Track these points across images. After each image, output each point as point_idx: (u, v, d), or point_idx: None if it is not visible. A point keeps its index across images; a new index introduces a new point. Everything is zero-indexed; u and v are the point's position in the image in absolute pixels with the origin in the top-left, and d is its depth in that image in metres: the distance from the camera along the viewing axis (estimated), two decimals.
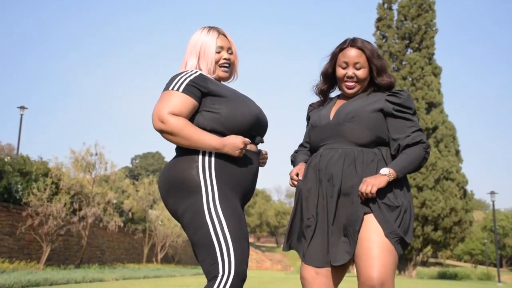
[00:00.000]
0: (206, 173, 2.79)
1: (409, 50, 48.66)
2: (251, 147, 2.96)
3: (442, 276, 43.47)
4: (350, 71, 3.11)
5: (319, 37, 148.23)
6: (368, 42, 3.17)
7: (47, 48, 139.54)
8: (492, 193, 40.14)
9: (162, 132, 2.78)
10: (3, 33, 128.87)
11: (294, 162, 3.44)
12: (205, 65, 3.02)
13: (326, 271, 3.03)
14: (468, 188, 46.38)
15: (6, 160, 19.62)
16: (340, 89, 3.26)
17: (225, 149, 2.75)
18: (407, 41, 48.55)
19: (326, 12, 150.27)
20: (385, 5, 49.33)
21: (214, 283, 2.62)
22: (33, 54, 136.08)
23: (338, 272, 3.08)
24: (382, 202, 2.91)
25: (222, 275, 2.63)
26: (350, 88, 3.15)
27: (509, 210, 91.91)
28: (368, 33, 49.44)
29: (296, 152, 3.51)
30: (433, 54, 47.75)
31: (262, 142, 3.07)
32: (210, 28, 3.09)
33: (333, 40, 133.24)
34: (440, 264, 66.80)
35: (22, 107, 30.41)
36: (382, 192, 2.90)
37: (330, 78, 3.29)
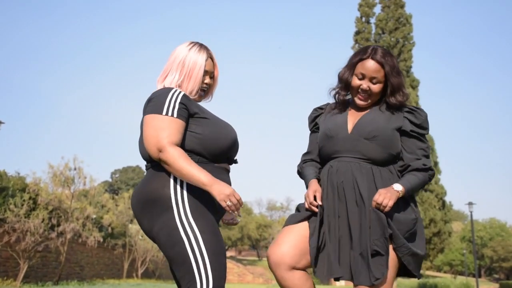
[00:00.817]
0: (177, 189, 2.76)
1: None
2: (225, 166, 2.98)
3: (422, 287, 43.74)
4: (365, 85, 3.06)
5: (297, 49, 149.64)
6: (391, 56, 3.12)
7: (23, 63, 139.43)
8: (470, 204, 40.58)
9: (160, 160, 2.72)
10: None
11: (303, 176, 3.34)
12: (190, 85, 2.98)
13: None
14: (447, 199, 46.90)
15: None
16: (352, 98, 3.22)
17: (213, 189, 2.66)
18: None
19: (304, 26, 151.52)
20: (363, 19, 49.88)
21: None
22: (9, 69, 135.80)
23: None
24: (394, 218, 2.91)
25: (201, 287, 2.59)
26: (362, 100, 3.12)
27: (487, 220, 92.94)
28: (347, 46, 49.99)
29: (304, 162, 3.40)
30: (410, 67, 48.28)
31: (236, 162, 3.08)
32: (201, 47, 3.05)
33: (312, 52, 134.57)
34: (421, 275, 67.21)
35: None
36: (394, 207, 2.91)
37: (346, 84, 3.21)
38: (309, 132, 3.43)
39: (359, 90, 3.09)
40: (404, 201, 3.00)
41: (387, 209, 2.82)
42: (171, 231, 2.70)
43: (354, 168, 2.99)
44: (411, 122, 3.07)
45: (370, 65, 3.02)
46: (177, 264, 2.70)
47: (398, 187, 2.91)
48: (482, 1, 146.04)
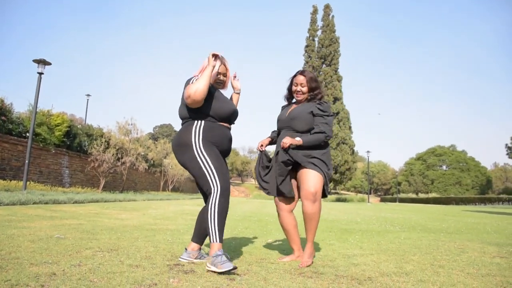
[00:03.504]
0: (196, 134, 2.77)
1: (324, 65, 49.51)
2: (227, 125, 2.92)
3: (338, 199, 44.97)
4: (298, 88, 3.25)
5: (266, 54, 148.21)
6: (310, 72, 3.30)
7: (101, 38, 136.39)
8: (368, 151, 41.51)
9: (193, 99, 2.71)
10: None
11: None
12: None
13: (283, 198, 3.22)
14: (355, 148, 47.85)
15: (78, 127, 19.66)
16: (294, 97, 3.35)
17: (212, 65, 2.78)
18: (323, 60, 49.47)
19: (269, 45, 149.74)
20: (311, 38, 50.20)
21: (212, 195, 2.67)
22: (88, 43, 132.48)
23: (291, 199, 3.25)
24: (317, 159, 3.07)
25: (215, 190, 2.67)
26: (298, 97, 3.28)
27: (377, 161, 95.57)
28: (299, 54, 49.52)
29: (272, 132, 3.48)
30: (337, 68, 48.76)
31: (233, 123, 3.03)
32: (217, 57, 2.94)
33: (278, 62, 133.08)
34: (337, 193, 68.56)
35: (88, 95, 30.34)
36: (314, 153, 3.07)
37: (290, 91, 3.36)
38: None
39: (296, 92, 3.27)
40: (326, 156, 3.13)
41: (285, 145, 3.00)
42: (193, 159, 2.74)
43: (288, 135, 3.16)
44: (318, 109, 3.17)
45: (299, 78, 3.26)
46: (199, 178, 2.74)
47: (298, 138, 3.06)
48: (385, 29, 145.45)
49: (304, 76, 3.27)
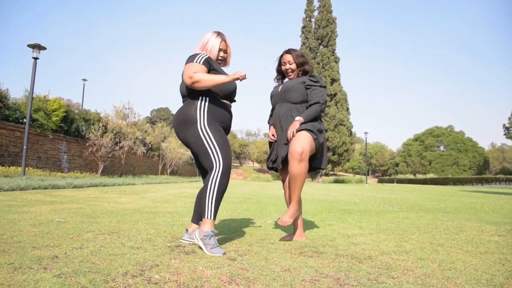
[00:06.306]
0: (201, 111, 2.77)
1: (321, 47, 49.21)
2: (228, 103, 2.95)
3: (336, 181, 45.19)
4: (287, 66, 3.33)
5: (263, 43, 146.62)
6: (296, 50, 3.37)
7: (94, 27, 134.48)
8: (366, 133, 41.52)
9: (192, 83, 2.71)
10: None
11: (269, 122, 3.45)
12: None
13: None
14: (353, 130, 47.96)
15: (76, 112, 19.60)
16: (286, 77, 3.44)
17: (232, 78, 2.69)
18: (320, 41, 49.10)
19: (266, 27, 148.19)
20: (307, 19, 49.80)
21: (213, 170, 2.68)
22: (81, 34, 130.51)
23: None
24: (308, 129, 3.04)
25: (217, 166, 2.68)
26: (289, 75, 3.36)
27: (374, 143, 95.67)
28: (296, 35, 49.34)
29: (270, 116, 3.48)
30: (335, 49, 48.44)
31: (235, 101, 3.05)
32: (218, 34, 3.00)
33: (275, 45, 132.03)
34: (336, 174, 68.81)
35: (84, 79, 30.13)
36: (309, 125, 3.07)
37: (280, 72, 3.45)
38: None
39: (286, 71, 3.36)
40: (315, 128, 3.09)
41: (291, 136, 3.04)
42: (196, 135, 2.73)
43: (283, 108, 3.23)
44: (310, 80, 3.23)
45: (286, 57, 3.34)
46: (201, 155, 2.74)
47: (297, 118, 3.10)
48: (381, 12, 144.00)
49: (290, 53, 3.35)
